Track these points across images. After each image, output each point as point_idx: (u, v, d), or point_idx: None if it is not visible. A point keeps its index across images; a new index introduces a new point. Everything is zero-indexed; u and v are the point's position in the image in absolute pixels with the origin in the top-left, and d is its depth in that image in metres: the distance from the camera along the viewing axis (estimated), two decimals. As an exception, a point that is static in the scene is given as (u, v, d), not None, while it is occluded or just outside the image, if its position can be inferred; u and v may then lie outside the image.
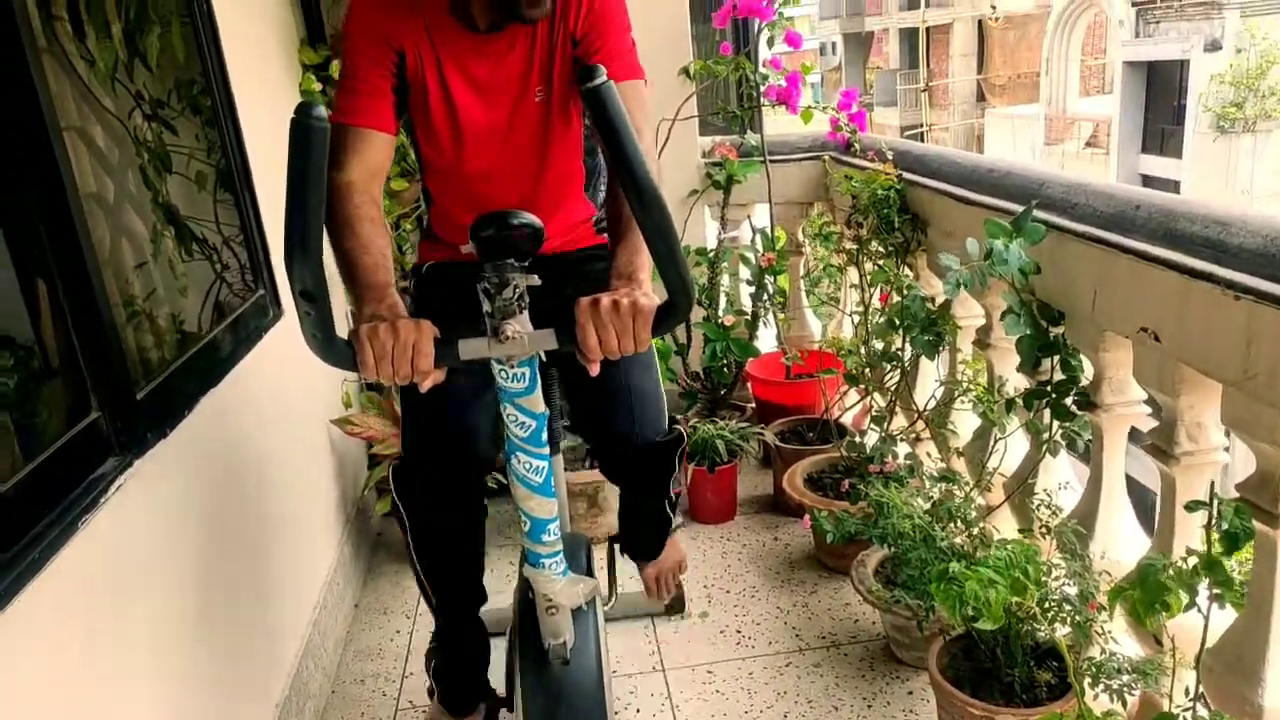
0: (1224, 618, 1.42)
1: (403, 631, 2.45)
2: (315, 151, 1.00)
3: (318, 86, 2.71)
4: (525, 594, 1.47)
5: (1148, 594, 1.36)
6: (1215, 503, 1.35)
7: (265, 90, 2.40)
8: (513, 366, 1.26)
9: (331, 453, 2.59)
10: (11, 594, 1.08)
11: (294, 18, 2.76)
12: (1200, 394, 1.49)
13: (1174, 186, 15.90)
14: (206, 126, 2.02)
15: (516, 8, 1.35)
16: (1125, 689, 1.53)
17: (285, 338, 2.21)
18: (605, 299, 1.16)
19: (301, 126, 0.99)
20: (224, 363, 1.87)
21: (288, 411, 2.29)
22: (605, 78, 1.02)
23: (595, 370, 1.20)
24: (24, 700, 1.11)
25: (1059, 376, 1.81)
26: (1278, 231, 1.32)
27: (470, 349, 1.21)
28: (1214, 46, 14.73)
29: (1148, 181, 16.53)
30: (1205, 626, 1.38)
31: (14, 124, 1.27)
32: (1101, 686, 1.55)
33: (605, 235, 1.68)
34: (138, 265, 1.64)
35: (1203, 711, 1.44)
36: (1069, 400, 1.79)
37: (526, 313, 1.23)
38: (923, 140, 22.09)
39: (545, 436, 1.33)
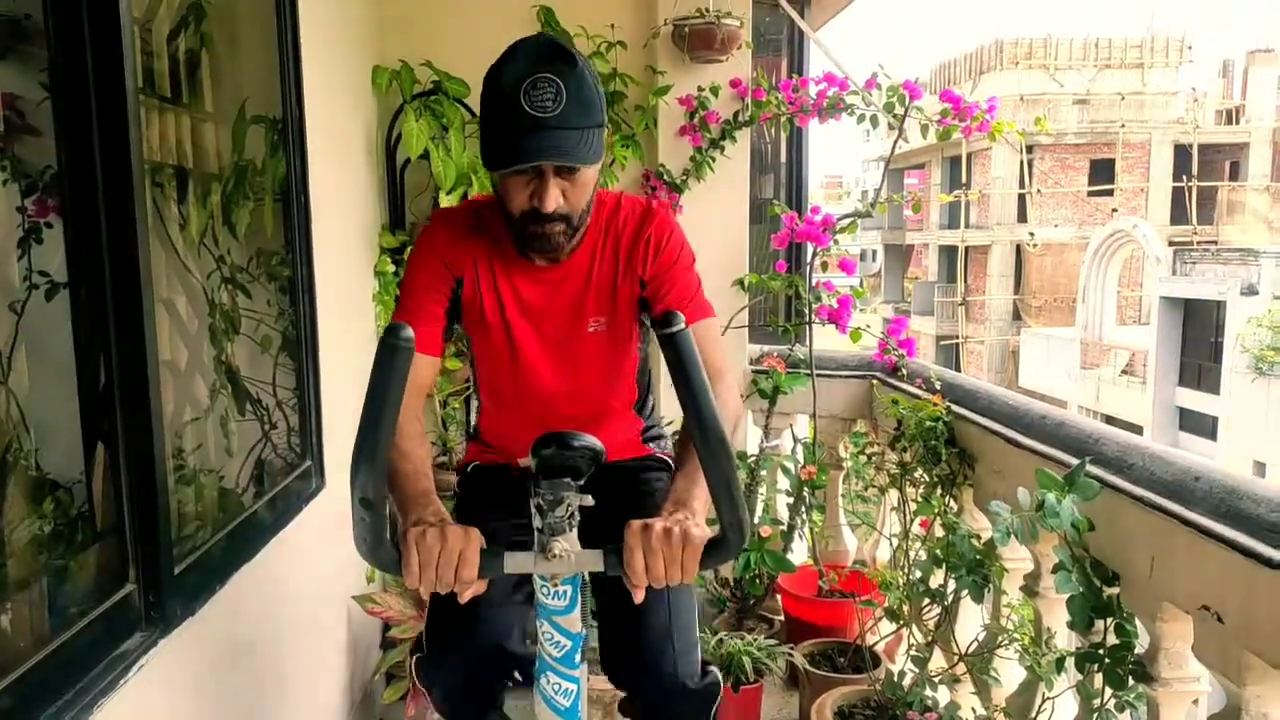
0: None
1: None
2: (398, 371, 1.04)
3: (391, 268, 2.84)
4: None
5: None
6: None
7: (343, 266, 2.52)
8: (556, 584, 1.25)
9: (348, 629, 2.53)
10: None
11: (380, 204, 2.94)
12: (1270, 685, 1.42)
13: (1211, 422, 15.85)
14: (280, 293, 2.11)
15: (529, 253, 1.44)
16: None
17: (325, 508, 2.22)
18: (658, 525, 1.16)
19: (389, 346, 1.02)
20: (265, 533, 1.87)
21: (315, 586, 2.25)
22: (683, 325, 1.04)
23: (639, 597, 1.18)
24: None
25: (1113, 640, 1.74)
26: (1349, 525, 1.29)
27: (516, 563, 1.20)
28: (1250, 291, 15.06)
29: (1185, 415, 16.53)
30: None
31: (115, 295, 1.34)
32: None
33: (652, 445, 1.72)
34: (190, 422, 1.68)
35: None
36: (1122, 669, 1.70)
37: (575, 531, 1.23)
38: (958, 351, 22.44)
39: (579, 658, 1.29)
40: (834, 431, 3.25)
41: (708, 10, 2.92)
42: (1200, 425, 16.19)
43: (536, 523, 1.21)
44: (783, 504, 3.13)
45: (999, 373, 21.40)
